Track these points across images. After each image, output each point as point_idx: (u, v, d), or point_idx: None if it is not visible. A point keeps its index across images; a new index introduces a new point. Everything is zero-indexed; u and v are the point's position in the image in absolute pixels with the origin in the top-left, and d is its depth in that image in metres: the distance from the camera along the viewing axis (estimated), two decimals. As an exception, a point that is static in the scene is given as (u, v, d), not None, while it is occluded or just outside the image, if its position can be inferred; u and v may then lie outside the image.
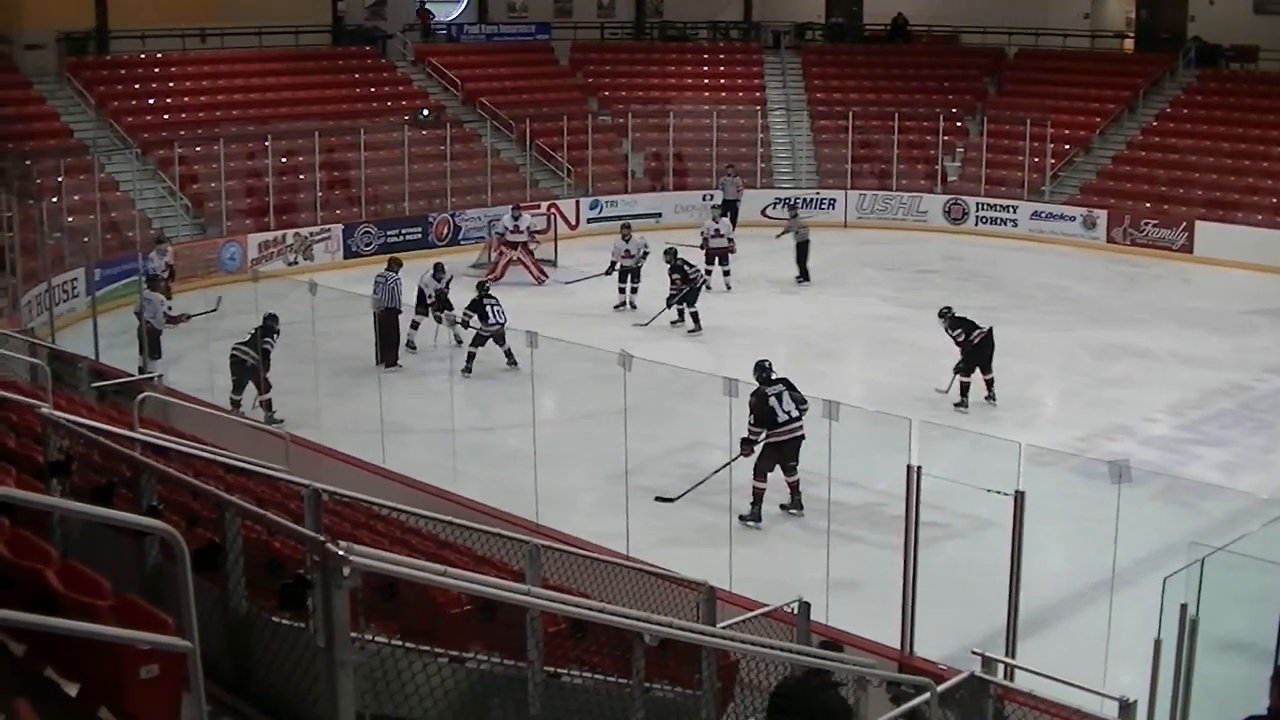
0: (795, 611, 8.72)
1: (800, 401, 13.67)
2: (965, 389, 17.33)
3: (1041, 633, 11.02)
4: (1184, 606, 7.75)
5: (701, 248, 24.63)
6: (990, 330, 17.44)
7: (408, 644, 5.22)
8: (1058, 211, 30.12)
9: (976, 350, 17.32)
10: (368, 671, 4.83)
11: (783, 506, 13.90)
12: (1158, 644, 7.96)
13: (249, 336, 16.95)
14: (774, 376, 13.96)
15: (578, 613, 6.00)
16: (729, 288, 24.37)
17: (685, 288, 21.26)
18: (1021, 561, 9.45)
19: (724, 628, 8.19)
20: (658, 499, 13.67)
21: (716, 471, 13.88)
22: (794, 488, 13.86)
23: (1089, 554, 11.47)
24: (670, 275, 21.45)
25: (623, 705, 6.17)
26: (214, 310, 17.69)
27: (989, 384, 17.42)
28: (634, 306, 22.28)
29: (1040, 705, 7.48)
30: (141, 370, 17.63)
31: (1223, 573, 7.91)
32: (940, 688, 7.23)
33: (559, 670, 6.23)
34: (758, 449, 13.71)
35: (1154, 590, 8.02)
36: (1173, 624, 7.84)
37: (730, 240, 24.67)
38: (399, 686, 5.07)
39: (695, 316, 21.40)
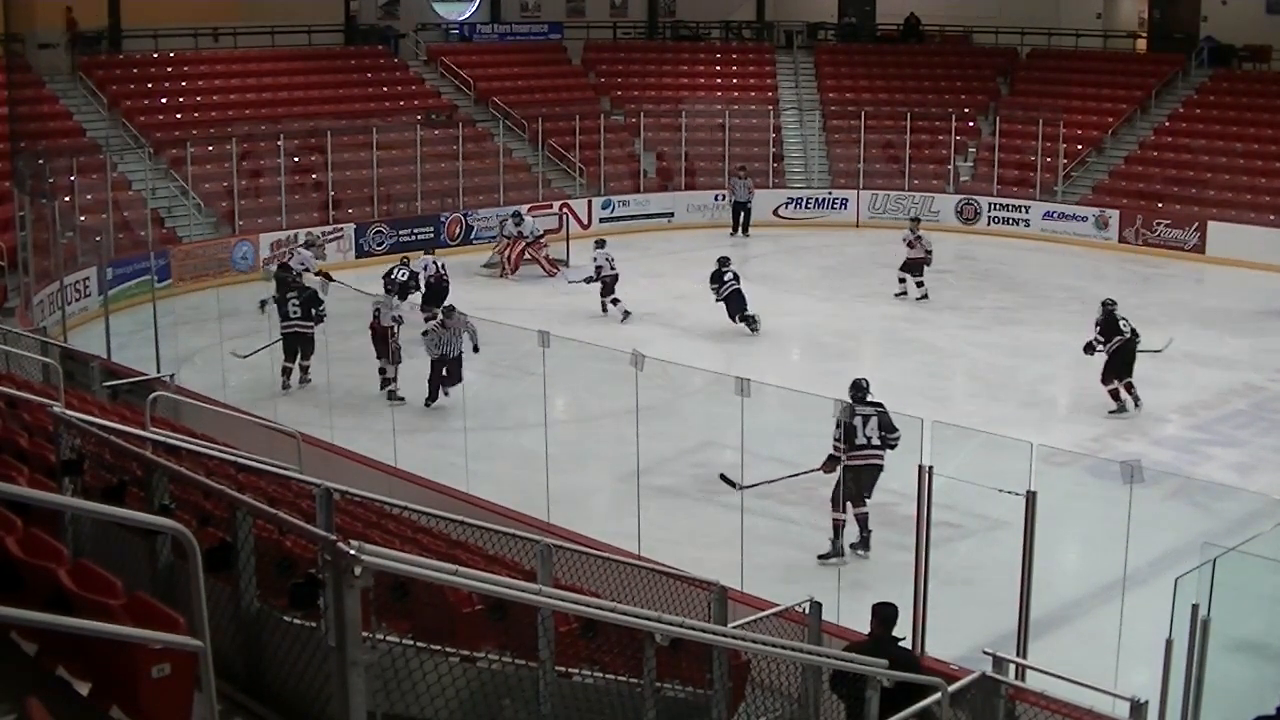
0: (807, 611, 8.71)
1: (890, 430, 12.86)
2: (1116, 395, 17.23)
3: (1053, 633, 11.01)
4: (1195, 607, 7.73)
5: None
6: (1129, 338, 17.34)
7: (419, 643, 5.23)
8: (1070, 211, 30.06)
9: (1115, 355, 17.28)
10: (379, 671, 4.84)
11: (852, 546, 13.05)
12: (1169, 644, 7.94)
13: (294, 312, 17.89)
14: (869, 399, 13.22)
15: (589, 612, 6.00)
16: (925, 296, 24.01)
17: (601, 281, 22.64)
18: (1033, 561, 9.43)
19: (735, 627, 8.19)
20: (721, 477, 13.18)
21: (793, 475, 13.36)
22: (862, 522, 12.99)
23: (1101, 554, 11.46)
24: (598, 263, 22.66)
25: (634, 705, 6.17)
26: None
27: (1129, 388, 17.31)
28: (627, 314, 22.47)
29: (1051, 705, 7.48)
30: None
31: (1235, 573, 7.89)
32: (951, 688, 7.23)
33: (570, 670, 6.23)
34: (839, 470, 12.79)
35: (1166, 590, 8.01)
36: (1184, 624, 7.83)
37: (928, 253, 24.13)
38: (410, 686, 5.07)
39: (609, 304, 22.68)
